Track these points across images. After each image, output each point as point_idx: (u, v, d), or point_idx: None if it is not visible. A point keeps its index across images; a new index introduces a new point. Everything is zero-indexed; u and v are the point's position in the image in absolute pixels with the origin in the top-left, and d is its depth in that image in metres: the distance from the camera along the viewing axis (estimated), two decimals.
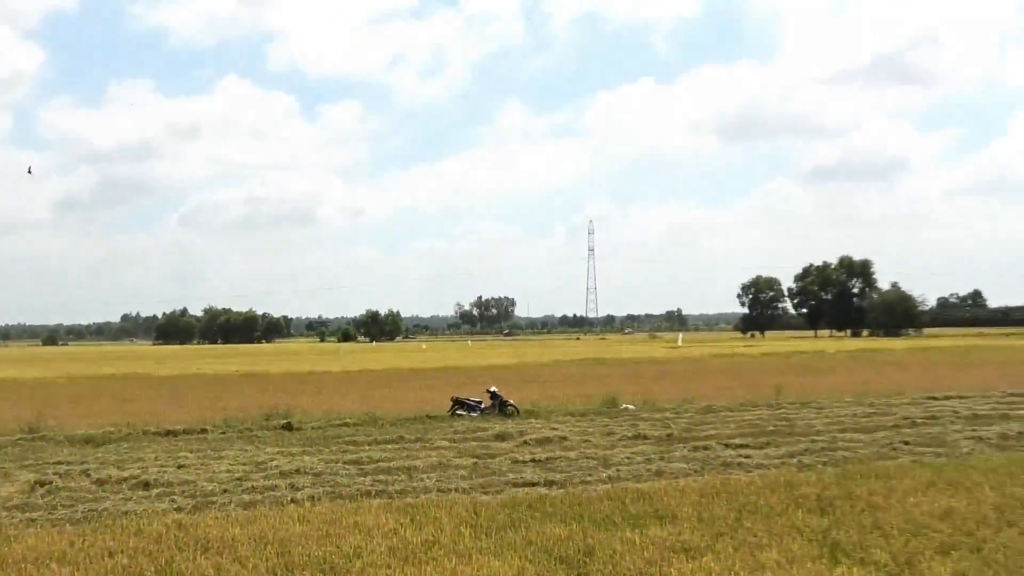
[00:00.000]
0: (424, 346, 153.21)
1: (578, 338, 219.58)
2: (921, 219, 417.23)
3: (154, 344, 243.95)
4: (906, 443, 19.19)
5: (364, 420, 25.50)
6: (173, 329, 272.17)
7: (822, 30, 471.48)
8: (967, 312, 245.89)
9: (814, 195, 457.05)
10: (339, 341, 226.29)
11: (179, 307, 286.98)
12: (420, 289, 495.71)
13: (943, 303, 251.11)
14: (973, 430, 20.94)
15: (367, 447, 20.15)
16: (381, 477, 16.21)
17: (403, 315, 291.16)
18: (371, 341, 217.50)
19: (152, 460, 18.78)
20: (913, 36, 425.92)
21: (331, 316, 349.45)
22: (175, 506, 14.13)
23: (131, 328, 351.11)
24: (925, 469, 15.73)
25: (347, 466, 17.52)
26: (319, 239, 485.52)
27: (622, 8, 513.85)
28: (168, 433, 23.62)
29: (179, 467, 17.76)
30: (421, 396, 34.92)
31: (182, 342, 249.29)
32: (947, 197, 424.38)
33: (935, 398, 28.75)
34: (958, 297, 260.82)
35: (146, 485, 15.96)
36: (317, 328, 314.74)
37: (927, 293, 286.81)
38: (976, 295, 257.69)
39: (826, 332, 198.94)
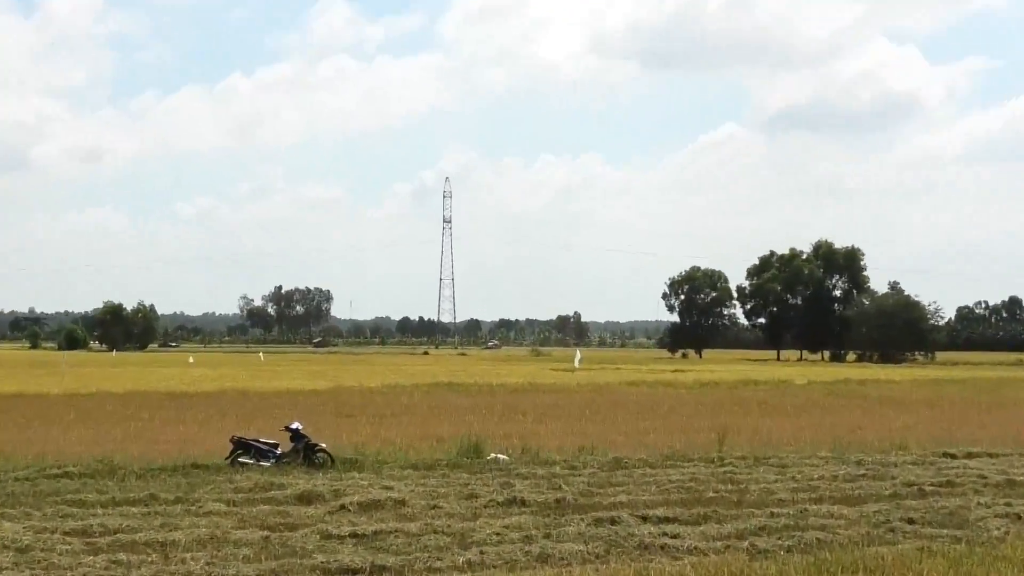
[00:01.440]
0: (192, 359, 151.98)
1: (427, 352, 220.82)
2: (931, 190, 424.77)
3: None
4: (910, 521, 19.52)
5: (97, 469, 25.22)
6: None
7: None
8: (1000, 329, 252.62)
9: (777, 151, 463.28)
10: (62, 348, 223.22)
11: None
12: (187, 274, 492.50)
13: (966, 315, 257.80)
14: (1007, 504, 21.37)
15: (100, 510, 19.90)
16: (121, 557, 16.01)
17: (160, 311, 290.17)
18: (110, 350, 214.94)
19: None
20: None
21: (49, 311, 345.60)
22: None
23: None
24: (938, 560, 15.99)
25: (69, 538, 17.27)
26: (35, 194, 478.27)
27: None
28: None
29: None
30: (185, 434, 34.68)
31: None
32: (967, 159, 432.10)
33: (952, 455, 29.35)
34: (987, 307, 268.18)
35: None
36: (27, 328, 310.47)
37: (942, 300, 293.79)
38: (1014, 304, 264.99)
39: (794, 353, 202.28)
